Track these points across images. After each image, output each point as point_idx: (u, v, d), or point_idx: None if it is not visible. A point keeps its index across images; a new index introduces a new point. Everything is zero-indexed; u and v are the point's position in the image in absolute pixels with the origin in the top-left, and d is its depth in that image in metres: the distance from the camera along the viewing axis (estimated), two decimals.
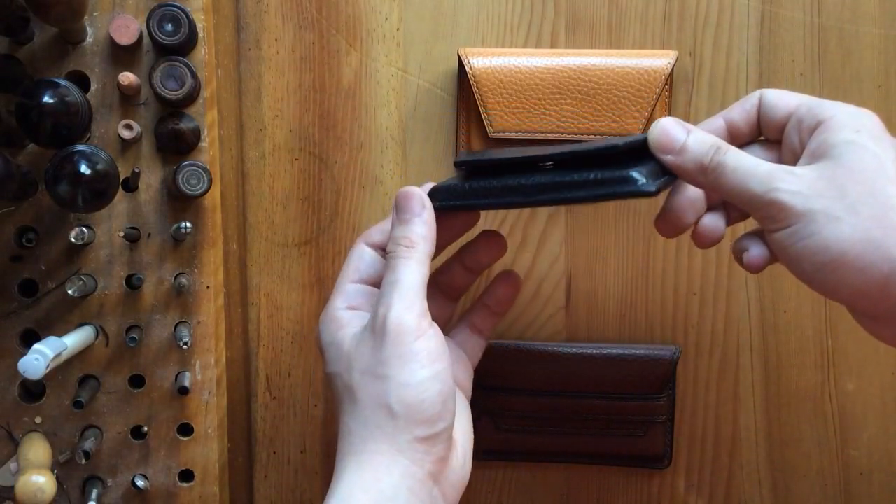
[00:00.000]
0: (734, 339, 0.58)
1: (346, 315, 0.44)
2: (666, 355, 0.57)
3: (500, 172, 0.44)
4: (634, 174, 0.39)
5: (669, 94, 0.56)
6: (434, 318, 0.43)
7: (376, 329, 0.41)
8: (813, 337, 0.58)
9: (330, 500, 0.39)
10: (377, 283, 0.45)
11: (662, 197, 0.44)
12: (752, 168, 0.39)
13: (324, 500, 0.40)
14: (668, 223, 0.45)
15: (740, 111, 0.45)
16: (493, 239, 0.50)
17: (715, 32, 0.56)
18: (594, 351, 0.57)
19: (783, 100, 0.43)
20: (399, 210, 0.44)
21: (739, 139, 0.45)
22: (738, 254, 0.45)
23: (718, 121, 0.45)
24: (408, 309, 0.41)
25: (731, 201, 0.42)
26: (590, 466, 0.60)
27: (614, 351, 0.57)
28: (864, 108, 0.54)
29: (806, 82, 0.56)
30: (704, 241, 0.46)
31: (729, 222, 0.46)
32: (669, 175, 0.41)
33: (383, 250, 0.46)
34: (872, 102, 0.56)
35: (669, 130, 0.41)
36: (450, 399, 0.41)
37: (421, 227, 0.43)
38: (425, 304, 0.42)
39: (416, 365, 0.40)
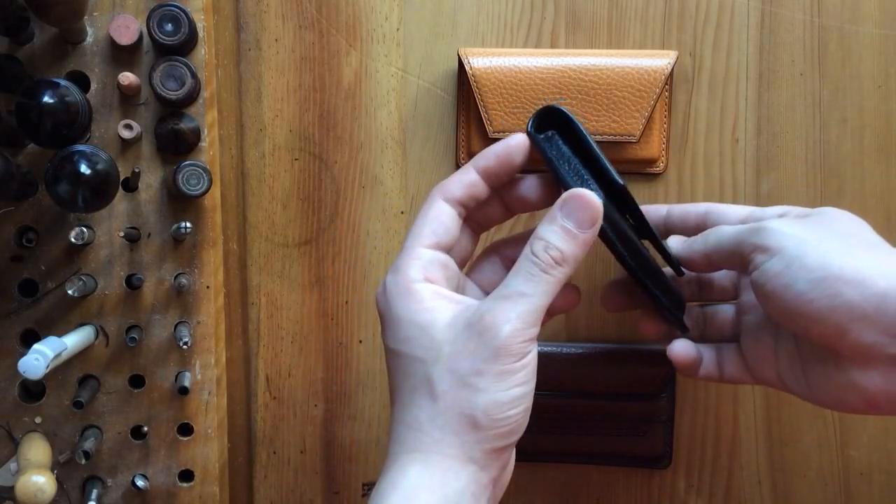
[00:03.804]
0: None
1: (427, 291, 0.40)
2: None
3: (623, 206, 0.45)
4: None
5: (669, 94, 0.56)
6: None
7: (485, 337, 0.38)
8: None
9: (389, 496, 0.37)
10: (452, 248, 0.43)
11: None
12: (736, 226, 0.44)
13: (379, 484, 0.38)
14: (615, 301, 0.52)
15: (681, 214, 0.50)
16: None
17: (715, 32, 0.56)
18: (594, 351, 0.57)
19: (732, 208, 0.49)
20: (567, 214, 0.40)
21: (675, 231, 0.51)
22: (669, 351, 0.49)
23: (662, 210, 0.51)
24: (526, 329, 0.38)
25: (721, 256, 0.45)
26: (590, 466, 0.60)
27: (614, 351, 0.57)
28: (864, 108, 0.55)
29: (806, 82, 0.56)
30: (650, 334, 0.51)
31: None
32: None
33: (462, 206, 0.43)
34: (872, 102, 0.56)
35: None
36: (529, 412, 0.40)
37: (580, 247, 0.40)
38: (540, 324, 0.39)
39: (512, 383, 0.38)
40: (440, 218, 0.42)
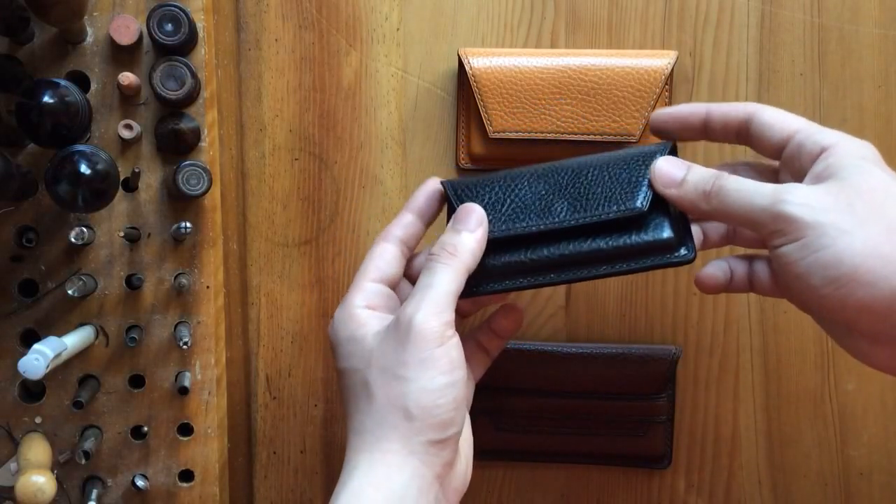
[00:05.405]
0: (734, 339, 0.58)
1: (364, 314, 0.44)
2: (666, 355, 0.57)
3: (525, 244, 0.45)
4: (682, 250, 0.43)
5: (669, 94, 0.56)
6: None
7: (401, 329, 0.41)
8: (813, 337, 0.58)
9: (340, 496, 0.40)
10: (395, 284, 0.47)
11: None
12: (756, 186, 0.41)
13: (332, 495, 0.41)
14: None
15: (722, 115, 0.46)
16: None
17: (715, 32, 0.56)
18: (594, 351, 0.57)
19: (782, 122, 0.44)
20: (455, 221, 0.45)
21: (708, 136, 0.47)
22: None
23: (701, 107, 0.47)
24: (436, 314, 0.42)
25: (734, 222, 0.44)
26: (590, 466, 0.60)
27: (614, 351, 0.57)
28: (864, 108, 0.55)
29: (806, 82, 0.56)
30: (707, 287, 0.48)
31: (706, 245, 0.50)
32: (683, 226, 0.44)
33: (405, 245, 0.47)
34: (872, 102, 0.56)
35: (671, 167, 0.44)
36: (462, 406, 0.42)
37: (470, 240, 0.44)
38: (453, 313, 0.43)
39: (436, 371, 0.41)
40: (384, 256, 0.46)
